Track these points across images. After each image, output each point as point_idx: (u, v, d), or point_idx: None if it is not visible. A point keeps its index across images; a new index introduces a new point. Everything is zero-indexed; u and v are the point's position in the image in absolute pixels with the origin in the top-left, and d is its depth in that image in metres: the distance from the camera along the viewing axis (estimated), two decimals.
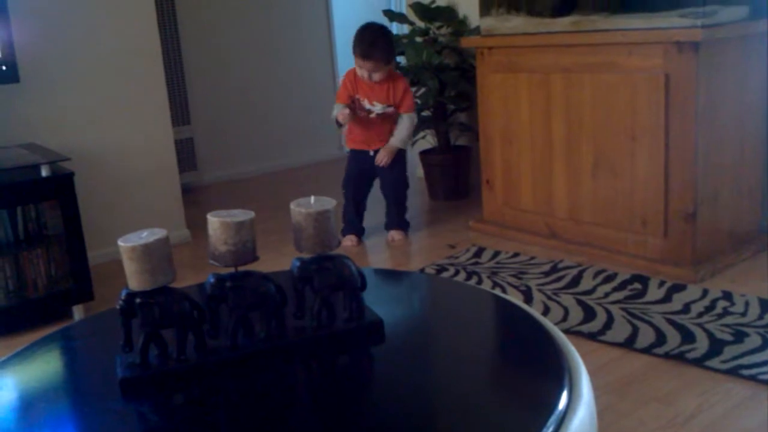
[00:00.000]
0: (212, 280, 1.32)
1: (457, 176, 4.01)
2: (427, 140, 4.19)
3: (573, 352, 1.28)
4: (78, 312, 2.77)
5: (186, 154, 4.77)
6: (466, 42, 3.38)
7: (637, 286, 2.60)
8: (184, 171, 4.62)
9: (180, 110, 4.70)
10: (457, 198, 4.02)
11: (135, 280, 1.25)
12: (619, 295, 2.53)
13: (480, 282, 2.76)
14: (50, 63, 3.15)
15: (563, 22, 2.92)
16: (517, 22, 3.09)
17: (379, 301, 1.49)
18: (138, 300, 1.26)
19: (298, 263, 1.37)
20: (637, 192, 2.76)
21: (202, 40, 4.86)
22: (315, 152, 5.49)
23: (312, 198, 1.38)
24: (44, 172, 2.63)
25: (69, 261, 2.72)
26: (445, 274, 2.88)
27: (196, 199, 4.49)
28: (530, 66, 3.06)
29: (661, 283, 2.59)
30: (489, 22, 3.22)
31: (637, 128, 2.71)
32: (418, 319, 1.56)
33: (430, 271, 2.94)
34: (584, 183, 2.95)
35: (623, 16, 2.71)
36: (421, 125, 4.02)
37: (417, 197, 4.16)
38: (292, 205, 1.36)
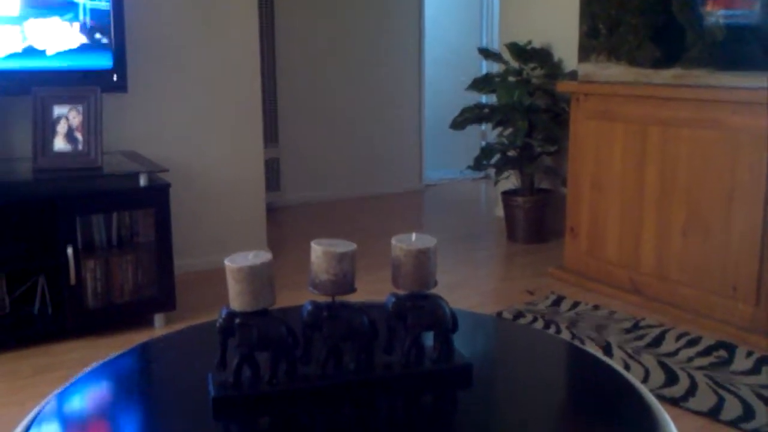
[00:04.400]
0: (309, 308, 1.34)
1: (538, 220, 3.97)
2: (511, 181, 4.17)
3: (665, 416, 1.24)
4: (159, 320, 2.84)
5: (271, 174, 4.86)
6: (563, 86, 3.35)
7: (723, 353, 2.51)
8: (268, 190, 4.70)
9: (269, 130, 4.80)
10: (536, 242, 3.97)
11: (237, 300, 1.28)
12: (703, 361, 2.45)
13: (558, 332, 2.71)
14: (156, 76, 3.28)
15: (665, 75, 2.87)
16: (616, 71, 3.06)
17: (463, 343, 1.48)
18: (237, 320, 1.29)
19: (393, 299, 1.37)
20: (729, 255, 2.68)
21: (296, 65, 4.98)
22: (396, 183, 5.52)
23: (413, 235, 1.38)
24: (143, 181, 2.73)
25: (156, 269, 2.80)
26: (522, 320, 2.84)
27: (277, 219, 4.57)
28: (627, 116, 3.02)
29: (749, 353, 2.49)
30: (587, 68, 3.20)
31: (736, 189, 2.64)
32: (504, 366, 1.54)
33: (507, 315, 2.90)
34: (674, 240, 2.88)
35: (728, 72, 2.66)
36: (506, 165, 4.00)
37: (495, 237, 4.13)
38: (394, 241, 1.37)
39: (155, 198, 2.76)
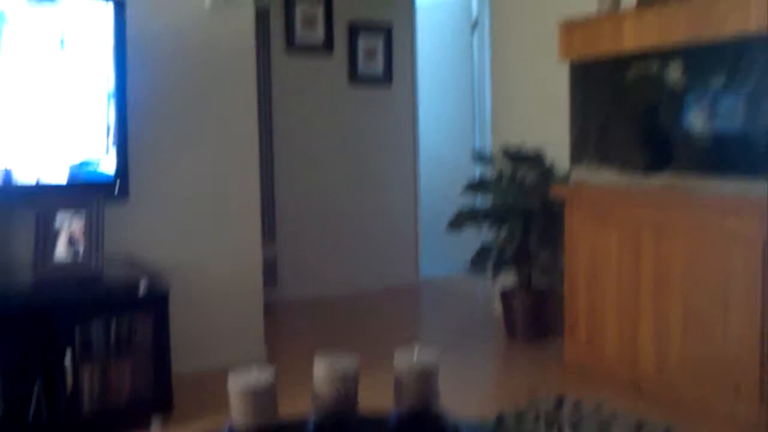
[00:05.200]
0: (313, 421, 1.34)
1: (537, 317, 3.98)
2: (508, 278, 4.19)
3: None
4: (156, 422, 2.81)
5: (268, 271, 4.88)
6: (556, 191, 3.43)
7: None
8: (265, 287, 4.72)
9: (267, 228, 4.86)
10: (536, 340, 3.96)
11: (240, 418, 1.29)
12: None
13: None
14: (156, 181, 3.35)
15: (656, 180, 2.95)
16: (608, 176, 3.15)
17: None
18: None
19: (395, 417, 1.38)
20: (729, 356, 2.68)
21: (294, 164, 5.09)
22: (392, 279, 5.54)
23: (416, 350, 1.40)
24: (142, 289, 2.75)
25: (153, 373, 2.79)
26: (524, 421, 2.81)
27: (274, 317, 4.56)
28: (620, 220, 3.08)
29: None
30: (580, 173, 3.28)
31: (731, 291, 2.67)
32: None
33: (509, 416, 2.87)
34: (672, 340, 2.89)
35: (718, 179, 2.73)
36: (503, 264, 4.04)
37: (494, 335, 4.13)
38: (396, 358, 1.39)
39: (154, 305, 2.77)
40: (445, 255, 5.94)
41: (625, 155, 3.08)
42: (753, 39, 2.60)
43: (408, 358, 1.38)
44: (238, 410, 1.28)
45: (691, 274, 2.81)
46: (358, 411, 1.35)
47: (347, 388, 1.33)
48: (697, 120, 2.82)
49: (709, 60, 2.76)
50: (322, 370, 1.33)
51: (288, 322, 4.52)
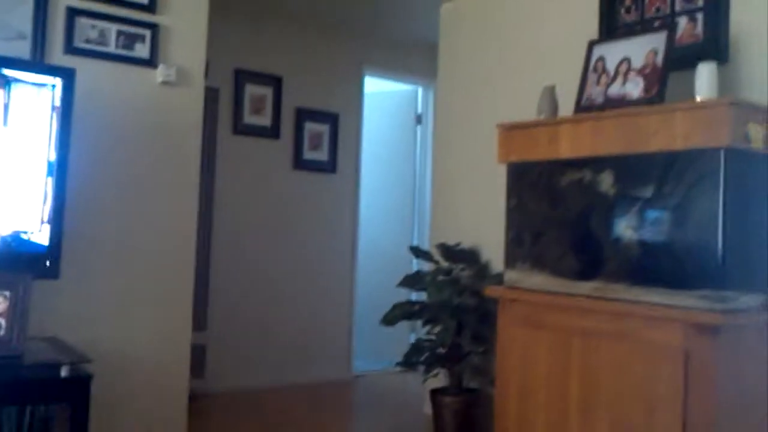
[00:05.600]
0: None
1: (466, 419, 3.96)
2: (438, 379, 4.18)
3: None
4: None
5: (196, 359, 4.75)
6: (490, 291, 3.48)
7: None
8: (192, 377, 4.58)
9: (199, 316, 4.76)
10: None
11: None
12: None
13: None
14: (89, 260, 3.27)
15: (585, 287, 3.03)
16: (540, 279, 3.21)
17: None
18: None
19: None
20: None
21: (231, 248, 5.06)
22: (325, 372, 5.47)
23: None
24: (63, 372, 2.64)
25: None
26: None
27: (199, 408, 4.41)
28: (551, 324, 3.13)
29: None
30: (513, 275, 3.34)
31: (656, 401, 2.71)
32: None
33: None
34: None
35: (645, 288, 2.82)
36: (434, 363, 4.04)
37: None
38: None
39: (75, 391, 2.65)
40: (380, 348, 5.91)
41: (558, 260, 3.16)
42: (677, 154, 2.74)
43: None
44: None
45: (617, 382, 2.85)
46: None
47: None
48: (626, 229, 2.93)
49: (639, 171, 2.89)
50: None
51: (213, 415, 4.38)
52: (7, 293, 2.72)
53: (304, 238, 5.44)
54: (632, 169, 2.91)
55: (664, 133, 2.79)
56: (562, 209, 3.17)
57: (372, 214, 6.09)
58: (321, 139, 5.54)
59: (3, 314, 2.71)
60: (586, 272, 3.04)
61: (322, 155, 5.55)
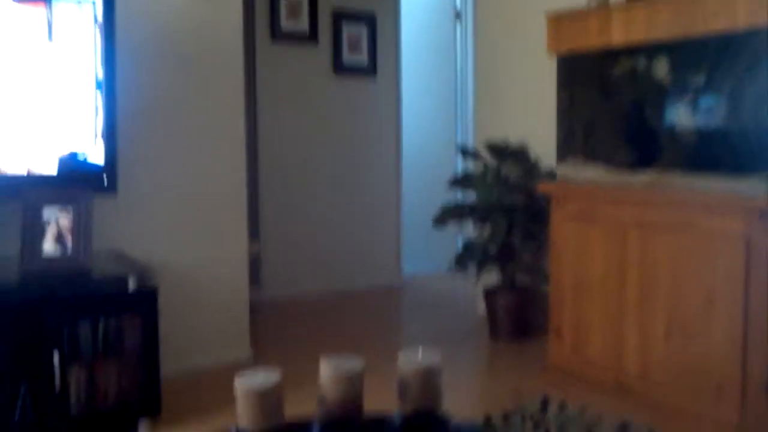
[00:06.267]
0: (319, 423, 1.34)
1: (521, 317, 4.01)
2: (492, 278, 4.21)
3: None
4: (144, 426, 2.78)
5: (251, 269, 4.86)
6: (542, 188, 3.45)
7: None
8: (249, 286, 4.70)
9: (251, 227, 4.83)
10: (519, 339, 3.99)
11: (247, 420, 1.28)
12: None
13: None
14: (144, 176, 3.32)
15: (641, 178, 2.98)
16: (593, 173, 3.17)
17: None
18: None
19: (400, 419, 1.38)
20: (712, 358, 2.72)
21: (277, 163, 5.08)
22: (375, 278, 5.55)
23: (420, 351, 1.41)
24: (131, 285, 2.72)
25: (142, 375, 2.76)
26: (511, 423, 2.83)
27: (257, 317, 4.54)
28: (605, 218, 3.11)
29: None
30: (565, 170, 3.31)
31: (715, 292, 2.71)
32: None
33: (495, 417, 2.89)
34: (656, 342, 2.92)
35: (703, 176, 2.76)
36: (486, 263, 4.06)
37: (478, 335, 4.15)
38: (400, 358, 1.39)
39: (143, 303, 2.74)
40: (428, 253, 5.96)
41: (612, 152, 3.11)
42: (739, 37, 2.63)
43: (412, 360, 1.39)
44: (244, 412, 1.27)
45: (676, 274, 2.84)
46: (364, 412, 1.35)
47: (353, 390, 1.33)
48: (682, 117, 2.85)
49: (695, 57, 2.79)
50: (328, 372, 1.33)
51: (272, 322, 4.50)
52: (71, 211, 2.78)
53: (348, 144, 5.42)
54: (689, 54, 2.81)
55: (724, 13, 2.67)
56: (615, 100, 3.10)
57: (414, 115, 6.01)
58: (360, 42, 5.42)
59: (68, 231, 2.78)
60: (642, 162, 2.99)
61: (362, 59, 5.45)
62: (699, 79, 2.79)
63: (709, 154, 2.77)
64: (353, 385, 1.33)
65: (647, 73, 2.97)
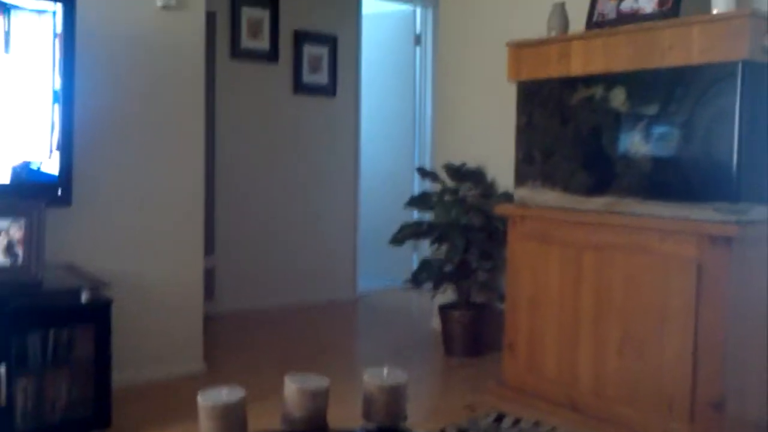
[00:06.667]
0: None
1: (475, 334, 4.04)
2: (446, 294, 4.25)
3: None
4: None
5: (205, 282, 4.80)
6: (500, 210, 3.50)
7: None
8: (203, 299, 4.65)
9: (206, 240, 4.77)
10: (474, 355, 4.02)
11: None
12: None
13: None
14: (101, 188, 3.27)
15: (597, 202, 3.05)
16: (551, 196, 3.23)
17: None
18: None
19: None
20: (664, 375, 2.79)
21: (234, 176, 5.04)
22: (329, 292, 5.54)
23: (385, 369, 1.41)
24: (84, 297, 2.67)
25: (93, 387, 2.71)
26: None
27: (210, 330, 4.48)
28: (562, 240, 3.17)
29: None
30: (523, 193, 3.36)
31: (667, 311, 2.78)
32: None
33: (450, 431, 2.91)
34: (610, 359, 2.98)
35: (657, 202, 2.84)
36: (443, 280, 4.09)
37: (433, 351, 4.17)
38: (366, 375, 1.40)
39: (96, 315, 2.70)
40: (383, 269, 5.98)
41: (569, 177, 3.17)
42: (693, 69, 2.72)
43: (378, 376, 1.39)
44: (206, 428, 1.26)
45: (630, 295, 2.91)
46: (329, 428, 1.35)
47: (317, 407, 1.33)
48: (639, 144, 2.93)
49: (651, 87, 2.87)
50: (294, 389, 1.33)
51: (224, 335, 4.45)
52: (23, 221, 2.72)
53: (307, 162, 5.42)
54: (645, 85, 2.89)
55: (679, 48, 2.76)
56: (573, 126, 3.17)
57: (373, 136, 6.06)
58: (320, 62, 5.44)
59: (20, 242, 2.71)
60: (598, 188, 3.06)
61: (322, 78, 5.46)
62: (656, 109, 2.87)
63: (663, 181, 2.84)
64: (318, 402, 1.33)
65: (605, 102, 3.04)
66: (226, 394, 1.29)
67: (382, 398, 1.36)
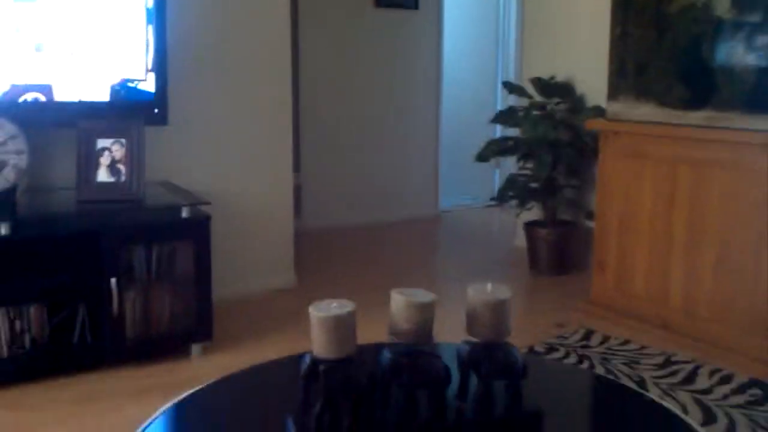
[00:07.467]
0: (389, 355, 1.38)
1: (561, 251, 4.02)
2: (533, 212, 4.21)
3: None
4: (196, 350, 2.87)
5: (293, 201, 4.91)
6: (592, 125, 3.41)
7: (757, 391, 2.55)
8: None
9: (293, 159, 4.85)
10: (559, 273, 4.01)
11: (322, 348, 1.32)
12: (739, 399, 2.49)
13: (592, 368, 2.75)
14: (194, 109, 3.33)
15: (696, 116, 2.93)
16: (646, 110, 3.12)
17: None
18: (322, 367, 1.33)
19: (468, 347, 1.41)
20: (761, 294, 2.72)
21: (317, 92, 5.05)
22: (411, 209, 5.57)
23: (489, 285, 1.43)
24: (184, 213, 2.77)
25: (194, 300, 2.84)
26: (554, 355, 2.88)
27: (297, 246, 4.60)
28: (657, 155, 3.08)
29: None
30: (616, 107, 3.26)
31: (765, 230, 2.69)
32: (572, 411, 1.57)
33: (539, 349, 2.94)
34: (704, 278, 2.92)
35: (758, 115, 2.71)
36: (529, 197, 4.06)
37: (517, 269, 4.17)
38: (470, 291, 1.41)
39: (196, 230, 2.80)
40: (462, 188, 5.96)
41: (666, 90, 3.05)
42: None
43: (482, 292, 1.41)
44: (319, 339, 1.31)
45: (727, 213, 2.82)
46: (434, 342, 1.38)
47: (425, 320, 1.36)
48: (741, 55, 2.78)
49: None
50: (401, 304, 1.36)
51: (311, 251, 4.56)
52: (123, 140, 2.82)
53: (388, 77, 5.37)
54: None
55: None
56: (671, 36, 3.02)
57: (455, 50, 5.92)
58: None
59: (121, 160, 2.82)
60: (696, 101, 2.93)
61: None
62: (759, 16, 2.71)
63: (766, 93, 2.71)
64: (425, 315, 1.35)
65: (707, 9, 2.88)
66: (336, 306, 1.33)
67: (486, 314, 1.38)
